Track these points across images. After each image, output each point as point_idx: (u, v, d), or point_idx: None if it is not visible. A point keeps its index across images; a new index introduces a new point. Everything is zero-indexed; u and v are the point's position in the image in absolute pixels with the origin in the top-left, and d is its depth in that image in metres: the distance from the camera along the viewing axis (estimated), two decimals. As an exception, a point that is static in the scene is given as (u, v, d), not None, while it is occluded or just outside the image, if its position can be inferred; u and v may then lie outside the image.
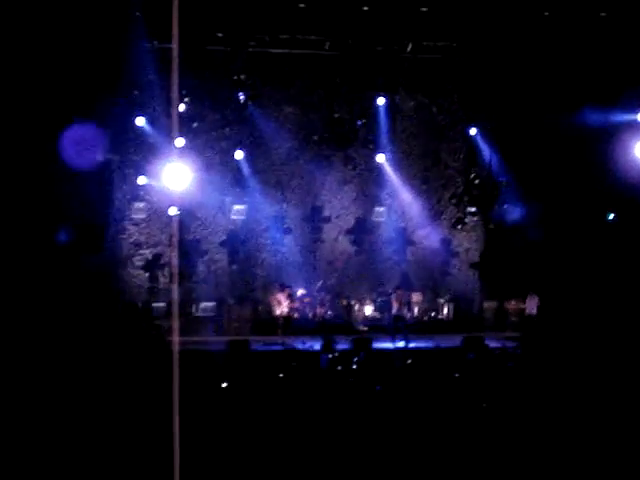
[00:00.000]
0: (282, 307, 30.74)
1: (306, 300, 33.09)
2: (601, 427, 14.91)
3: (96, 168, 29.27)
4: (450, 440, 14.84)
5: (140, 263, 33.41)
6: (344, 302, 33.76)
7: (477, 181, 35.07)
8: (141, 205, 33.22)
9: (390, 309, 31.41)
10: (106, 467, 13.70)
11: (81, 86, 27.88)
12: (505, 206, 34.23)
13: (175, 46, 10.22)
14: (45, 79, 27.03)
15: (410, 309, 32.02)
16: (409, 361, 21.18)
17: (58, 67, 27.23)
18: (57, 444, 14.05)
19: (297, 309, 32.30)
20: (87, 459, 13.79)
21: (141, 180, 32.42)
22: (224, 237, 34.06)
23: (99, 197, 30.28)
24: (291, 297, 31.18)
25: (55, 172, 27.54)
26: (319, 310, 33.49)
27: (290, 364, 21.41)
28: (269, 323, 32.16)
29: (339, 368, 21.43)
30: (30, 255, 26.45)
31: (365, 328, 33.01)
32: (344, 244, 35.03)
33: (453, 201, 35.31)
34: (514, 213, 34.05)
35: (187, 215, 32.97)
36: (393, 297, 30.70)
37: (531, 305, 32.22)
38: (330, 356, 23.45)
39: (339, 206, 34.92)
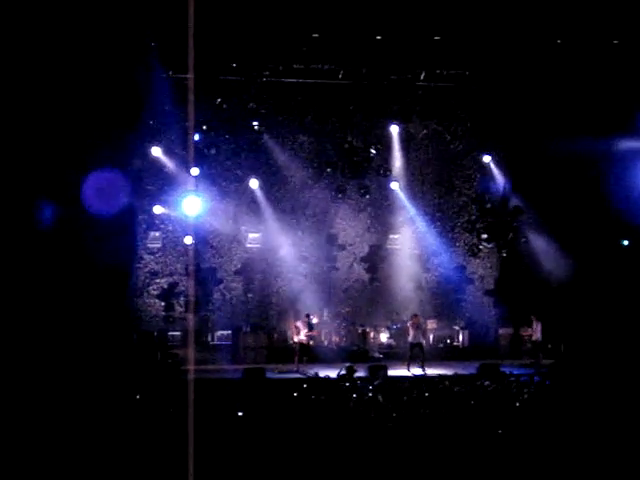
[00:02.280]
0: (300, 335, 30.78)
1: (317, 322, 33.02)
2: (617, 458, 14.87)
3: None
4: (465, 466, 14.82)
5: (156, 292, 33.51)
6: (359, 329, 33.79)
7: (491, 208, 35.08)
8: (157, 234, 33.36)
9: (406, 336, 31.38)
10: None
11: (96, 117, 28.06)
12: (520, 234, 34.23)
13: (191, 76, 10.36)
14: (60, 109, 27.22)
15: (425, 336, 31.97)
16: (426, 394, 21.14)
17: (73, 97, 27.42)
18: (72, 473, 14.09)
19: (313, 337, 32.31)
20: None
21: (157, 209, 32.56)
22: (239, 265, 34.16)
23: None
24: (311, 325, 31.24)
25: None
26: (334, 338, 33.52)
27: (308, 394, 21.42)
28: (285, 351, 32.17)
29: (354, 396, 21.39)
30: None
31: (380, 355, 33.01)
32: (359, 271, 35.08)
33: (467, 228, 35.33)
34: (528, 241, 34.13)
35: (202, 244, 33.11)
36: (409, 324, 30.65)
37: (536, 331, 32.17)
38: (375, 383, 23.34)
39: (353, 234, 35.00)
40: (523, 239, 34.34)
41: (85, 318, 26.92)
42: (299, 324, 31.22)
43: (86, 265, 27.92)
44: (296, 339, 31.11)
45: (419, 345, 30.18)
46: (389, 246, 35.22)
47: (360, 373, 25.68)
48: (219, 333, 32.93)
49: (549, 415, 17.14)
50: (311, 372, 26.09)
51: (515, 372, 25.07)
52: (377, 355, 33.06)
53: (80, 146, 27.85)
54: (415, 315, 30.84)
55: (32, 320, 25.34)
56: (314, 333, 31.76)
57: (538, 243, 33.90)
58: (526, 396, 20.13)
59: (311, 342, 31.43)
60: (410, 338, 30.30)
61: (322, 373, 25.12)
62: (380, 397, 20.59)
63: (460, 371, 25.83)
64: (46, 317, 25.80)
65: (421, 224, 35.00)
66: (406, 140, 34.59)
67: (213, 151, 32.37)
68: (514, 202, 34.46)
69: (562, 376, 23.49)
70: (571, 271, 32.47)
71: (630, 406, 17.10)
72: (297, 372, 28.12)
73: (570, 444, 15.27)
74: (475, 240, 35.30)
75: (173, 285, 33.53)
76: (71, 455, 14.51)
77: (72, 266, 27.51)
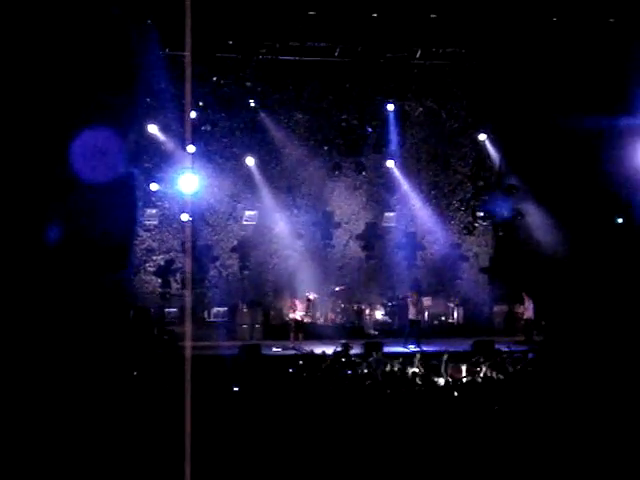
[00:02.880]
0: (297, 312, 30.90)
1: (313, 298, 33.18)
2: (611, 432, 15.01)
3: (117, 181, 29.22)
4: (461, 442, 14.96)
5: (152, 269, 33.62)
6: (354, 307, 33.93)
7: (486, 186, 35.18)
8: (153, 211, 33.43)
9: (405, 313, 31.54)
10: (118, 472, 13.84)
11: (93, 94, 28.01)
12: (514, 210, 34.30)
13: (187, 54, 10.39)
14: (56, 87, 27.17)
15: (421, 313, 32.14)
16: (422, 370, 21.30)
17: (70, 75, 27.36)
18: (68, 449, 14.20)
19: (310, 314, 32.44)
20: (99, 463, 13.94)
21: (153, 187, 32.61)
22: (235, 243, 34.26)
23: (122, 214, 30.28)
24: (309, 302, 31.37)
25: (75, 186, 27.58)
26: (330, 315, 33.66)
27: (303, 368, 21.57)
28: (281, 328, 32.32)
29: (349, 372, 21.56)
30: (49, 270, 26.59)
31: (376, 332, 33.16)
32: (354, 249, 35.18)
33: (462, 206, 35.42)
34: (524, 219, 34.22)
35: (199, 221, 33.16)
36: (409, 300, 30.88)
37: (528, 309, 32.37)
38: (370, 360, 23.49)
39: (349, 211, 35.09)
40: (519, 217, 34.39)
41: (81, 295, 26.95)
42: (297, 302, 31.36)
43: (81, 240, 27.91)
44: (292, 316, 31.27)
45: (416, 322, 30.44)
46: (385, 224, 35.34)
47: (356, 350, 25.85)
48: (215, 310, 33.06)
49: (539, 392, 17.29)
50: (306, 349, 26.27)
51: (507, 349, 25.24)
52: (373, 332, 33.21)
53: (74, 123, 27.79)
54: (414, 291, 31.10)
55: (27, 297, 25.37)
56: (310, 311, 31.81)
57: (534, 221, 33.99)
58: (519, 372, 20.31)
59: (306, 319, 31.58)
60: (410, 315, 30.57)
61: (318, 350, 25.30)
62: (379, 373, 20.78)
63: (455, 348, 25.92)
64: (41, 294, 25.83)
65: (417, 202, 35.09)
66: (402, 118, 34.52)
67: (208, 127, 32.37)
68: (510, 180, 34.50)
69: (552, 353, 23.64)
70: (566, 248, 32.58)
71: (620, 383, 17.24)
72: (293, 349, 28.24)
73: (560, 419, 15.43)
74: (470, 218, 35.41)
75: (169, 262, 33.64)
76: (69, 431, 14.63)
77: (66, 242, 27.48)
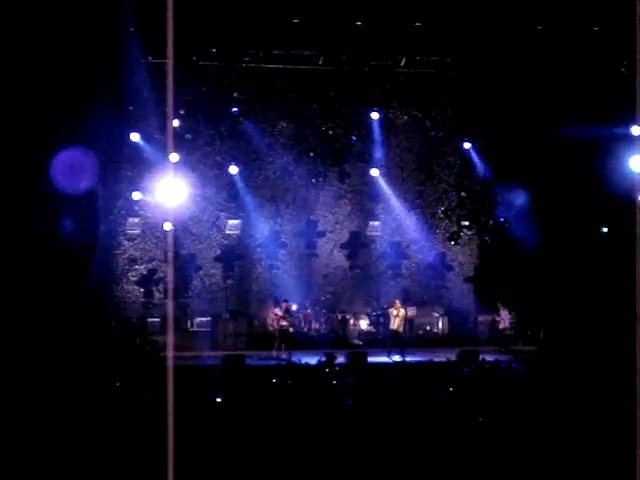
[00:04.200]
0: (279, 322, 30.68)
1: (302, 313, 33.12)
2: (601, 443, 14.89)
3: (84, 193, 29.06)
4: (446, 454, 14.81)
5: (135, 278, 33.43)
6: (339, 316, 33.78)
7: (471, 195, 35.09)
8: (136, 220, 33.26)
9: (387, 323, 31.40)
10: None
11: (75, 101, 27.85)
12: (499, 219, 34.23)
13: (169, 61, 10.24)
14: (38, 94, 27.00)
15: (405, 323, 31.98)
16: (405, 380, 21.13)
17: (52, 82, 27.21)
18: (49, 462, 14.00)
19: (293, 324, 32.24)
20: (81, 475, 13.75)
21: (136, 195, 32.40)
22: (219, 252, 34.09)
23: (85, 224, 30.06)
24: (288, 311, 31.11)
25: (42, 195, 27.41)
26: (314, 325, 33.50)
27: (285, 379, 21.38)
28: (264, 338, 32.11)
29: (334, 382, 21.37)
30: (17, 278, 26.37)
31: (360, 342, 33.01)
32: (339, 258, 35.05)
33: (447, 215, 35.30)
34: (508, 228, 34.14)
35: (182, 230, 33.02)
36: (390, 311, 30.65)
37: (504, 319, 32.33)
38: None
39: (333, 220, 34.98)
40: (503, 226, 34.30)
41: (62, 305, 26.76)
42: (277, 311, 31.17)
43: (59, 251, 27.74)
44: (275, 326, 31.06)
45: (398, 332, 30.25)
46: (369, 233, 35.26)
47: (340, 360, 25.67)
48: (198, 320, 32.88)
49: (529, 403, 17.14)
50: (293, 359, 26.08)
51: (490, 359, 25.09)
52: (357, 342, 33.06)
53: (55, 130, 27.63)
54: (395, 302, 30.85)
55: (8, 308, 25.17)
56: (291, 319, 31.51)
57: (518, 230, 33.90)
58: (504, 383, 20.16)
59: (290, 329, 31.38)
60: (390, 325, 30.38)
61: (302, 360, 25.11)
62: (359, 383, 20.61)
63: (439, 358, 25.78)
64: (22, 305, 25.63)
65: (401, 211, 34.99)
66: (386, 127, 34.50)
67: (189, 136, 32.17)
68: (494, 188, 34.42)
69: (545, 363, 23.51)
70: (551, 257, 32.53)
71: (611, 392, 17.12)
72: (276, 359, 28.03)
73: (551, 431, 15.29)
74: (455, 227, 35.29)
75: (152, 271, 33.45)
76: (50, 441, 14.44)
77: (44, 252, 27.30)
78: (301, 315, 33.19)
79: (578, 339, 25.68)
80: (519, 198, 33.43)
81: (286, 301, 31.23)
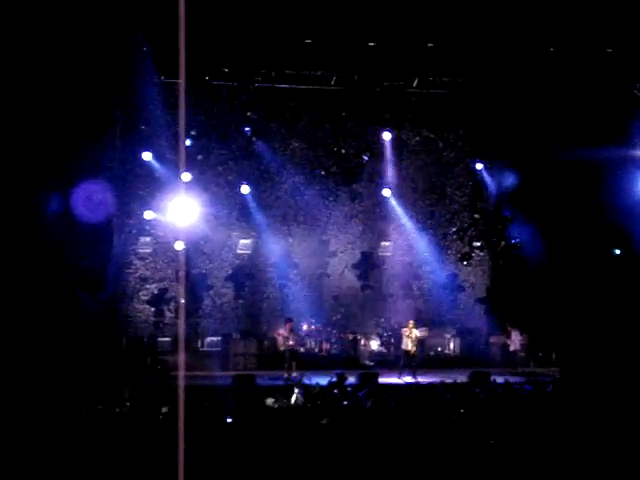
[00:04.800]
0: (286, 341, 30.54)
1: (313, 329, 32.95)
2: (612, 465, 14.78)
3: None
4: (457, 476, 14.73)
5: (146, 297, 33.38)
6: (350, 337, 33.68)
7: (482, 216, 35.02)
8: (147, 239, 33.27)
9: (399, 344, 31.30)
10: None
11: (88, 120, 27.89)
12: (512, 241, 34.16)
13: (182, 81, 10.20)
14: (51, 112, 27.05)
15: (417, 344, 31.88)
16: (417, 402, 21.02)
17: (65, 100, 27.26)
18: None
19: (303, 344, 32.14)
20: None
21: (147, 215, 32.39)
22: (230, 271, 34.05)
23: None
24: (293, 331, 30.91)
25: (57, 217, 27.46)
26: (325, 345, 33.40)
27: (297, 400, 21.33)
28: (275, 358, 32.00)
29: (345, 403, 21.29)
30: (34, 295, 26.37)
31: (371, 363, 32.91)
32: (350, 278, 34.98)
33: (459, 236, 35.23)
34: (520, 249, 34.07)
35: (193, 249, 32.95)
36: (404, 331, 30.55)
37: (514, 341, 32.23)
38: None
39: (345, 240, 34.92)
40: (515, 247, 34.22)
41: (74, 324, 26.74)
42: (281, 331, 31.02)
43: (73, 272, 27.75)
44: (282, 346, 30.92)
45: (409, 352, 30.14)
46: (381, 253, 35.19)
47: (351, 380, 25.58)
48: (209, 339, 32.85)
49: (543, 425, 17.03)
50: (304, 379, 26.01)
51: (501, 380, 24.96)
52: (368, 363, 32.96)
53: (69, 149, 27.67)
54: (409, 322, 30.77)
55: (19, 327, 25.16)
56: (297, 339, 31.24)
57: (531, 251, 33.80)
58: (516, 405, 20.05)
59: (301, 349, 31.28)
60: (403, 345, 30.30)
61: (313, 380, 25.03)
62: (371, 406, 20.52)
63: (451, 379, 25.65)
64: (33, 323, 25.62)
65: (413, 231, 34.92)
66: (398, 147, 34.52)
67: (200, 157, 32.21)
68: (506, 209, 34.36)
69: (568, 386, 23.34)
70: (562, 279, 32.40)
71: (628, 414, 17.00)
72: (287, 380, 27.91)
73: (564, 455, 15.18)
74: (467, 248, 35.22)
75: (163, 291, 33.40)
76: (61, 461, 14.39)
77: (58, 273, 27.31)
78: (308, 329, 32.96)
79: (596, 361, 25.53)
80: (530, 218, 33.38)
81: (290, 320, 31.09)
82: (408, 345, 30.20)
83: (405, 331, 30.45)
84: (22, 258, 25.99)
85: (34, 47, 25.46)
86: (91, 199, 27.75)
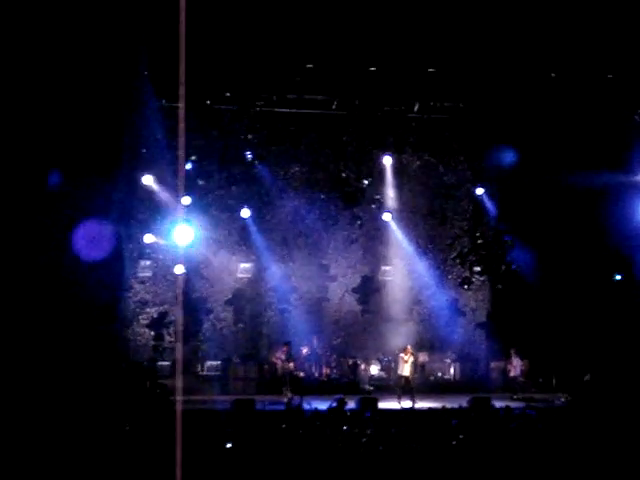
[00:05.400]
0: (284, 364, 30.40)
1: (304, 353, 32.76)
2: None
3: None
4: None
5: (145, 321, 33.34)
6: (350, 361, 33.57)
7: (483, 241, 34.98)
8: (147, 263, 33.26)
9: (397, 369, 31.17)
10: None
11: (87, 144, 27.92)
12: (512, 266, 34.11)
13: (182, 105, 10.20)
14: (51, 137, 27.10)
15: (417, 369, 31.78)
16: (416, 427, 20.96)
17: (64, 124, 27.30)
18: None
19: (303, 368, 32.00)
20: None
21: (147, 238, 32.35)
22: (230, 295, 34.00)
23: (111, 279, 30.15)
24: (290, 355, 30.73)
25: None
26: (325, 369, 33.30)
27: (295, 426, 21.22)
28: (274, 382, 31.88)
29: (345, 428, 21.21)
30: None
31: (371, 388, 32.79)
32: (350, 303, 34.91)
33: (459, 261, 35.17)
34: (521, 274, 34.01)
35: (193, 273, 32.90)
36: (401, 356, 30.40)
37: (515, 367, 32.11)
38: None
39: (345, 265, 34.88)
40: (516, 272, 34.15)
41: (73, 348, 26.71)
42: (278, 354, 30.92)
43: (74, 298, 27.76)
44: (279, 370, 30.79)
45: (408, 378, 30.00)
46: (381, 277, 35.13)
47: (350, 405, 25.48)
48: (209, 363, 32.76)
49: (544, 451, 16.98)
50: (304, 404, 25.91)
51: (501, 405, 24.87)
52: (368, 387, 32.83)
53: (69, 174, 27.71)
54: (407, 347, 30.64)
55: (19, 350, 25.16)
56: (294, 363, 31.08)
57: (531, 276, 33.75)
58: (517, 431, 19.99)
59: (301, 374, 31.15)
60: (399, 370, 30.18)
61: (312, 405, 24.94)
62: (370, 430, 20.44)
63: (451, 404, 25.55)
64: (33, 348, 25.61)
65: (413, 256, 34.87)
66: (399, 171, 34.55)
67: (202, 182, 32.25)
68: (507, 234, 34.31)
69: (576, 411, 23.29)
70: (562, 304, 32.37)
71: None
72: (287, 404, 27.80)
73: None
74: (467, 273, 35.16)
75: (163, 314, 33.35)
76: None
77: (60, 299, 27.35)
78: (307, 352, 32.82)
79: (602, 385, 25.49)
80: (530, 243, 33.37)
81: (287, 344, 31.00)
82: (405, 370, 30.07)
83: (402, 356, 30.32)
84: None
85: (40, 73, 25.61)
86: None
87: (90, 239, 27.90)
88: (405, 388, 29.78)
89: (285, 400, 28.79)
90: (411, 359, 30.23)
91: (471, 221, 35.38)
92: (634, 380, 25.88)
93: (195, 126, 29.71)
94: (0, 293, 25.80)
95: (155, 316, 33.33)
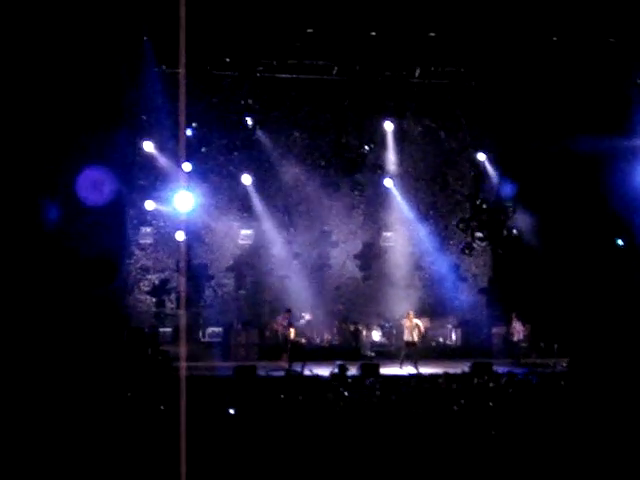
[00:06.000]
0: (285, 331, 30.39)
1: (308, 319, 32.76)
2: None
3: (108, 207, 28.98)
4: (458, 467, 14.66)
5: (147, 288, 33.35)
6: (351, 327, 33.59)
7: (485, 206, 34.90)
8: (148, 230, 33.21)
9: (400, 334, 31.16)
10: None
11: (88, 111, 27.82)
12: (514, 232, 34.08)
13: (182, 71, 10.14)
14: (52, 103, 26.99)
15: (419, 334, 31.78)
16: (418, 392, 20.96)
17: (65, 91, 27.19)
18: (59, 473, 13.90)
19: (304, 334, 31.99)
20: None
21: (148, 205, 32.33)
22: (231, 262, 33.99)
23: (113, 230, 30.04)
24: (291, 321, 30.71)
25: (68, 207, 27.45)
26: (326, 336, 33.33)
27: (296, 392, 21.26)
28: (276, 348, 31.91)
29: (346, 394, 21.24)
30: (44, 285, 26.37)
31: (373, 354, 32.83)
32: (352, 269, 34.90)
33: (461, 226, 35.11)
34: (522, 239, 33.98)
35: (194, 240, 32.90)
36: (404, 322, 30.36)
37: (518, 331, 32.08)
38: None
39: (347, 231, 34.85)
40: (517, 238, 34.12)
41: (75, 314, 26.70)
42: (280, 320, 30.93)
43: (75, 260, 27.67)
44: (280, 336, 30.79)
45: (412, 343, 29.95)
46: (382, 244, 35.10)
47: (352, 372, 25.52)
48: (210, 330, 32.76)
49: (547, 416, 16.96)
50: (305, 370, 25.96)
51: (503, 371, 24.87)
52: (369, 353, 32.88)
53: (70, 139, 27.60)
54: (408, 313, 30.61)
55: (20, 315, 25.13)
56: (295, 329, 31.06)
57: (532, 241, 33.73)
58: (519, 396, 20.00)
59: (303, 340, 31.14)
60: (405, 337, 30.14)
61: (314, 371, 25.00)
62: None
63: (452, 370, 25.57)
64: (34, 313, 25.58)
65: (414, 222, 34.83)
66: (400, 137, 34.45)
67: (204, 149, 32.18)
68: (508, 199, 34.25)
69: (578, 378, 23.24)
70: (564, 269, 32.34)
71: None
72: (288, 370, 27.84)
73: (567, 446, 15.11)
74: (469, 238, 35.11)
75: (164, 281, 33.37)
76: (62, 452, 14.34)
77: (60, 261, 27.26)
78: (309, 319, 32.86)
79: (603, 352, 25.45)
80: (532, 209, 33.32)
81: (289, 311, 30.99)
82: (408, 336, 30.02)
83: (405, 322, 30.28)
84: (29, 250, 26.05)
85: (41, 40, 25.49)
86: (97, 184, 27.77)
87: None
88: (409, 354, 29.75)
89: (284, 367, 28.86)
90: (413, 324, 30.14)
91: (473, 187, 35.31)
92: (634, 345, 25.84)
93: (195, 92, 29.58)
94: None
95: (156, 283, 33.35)
